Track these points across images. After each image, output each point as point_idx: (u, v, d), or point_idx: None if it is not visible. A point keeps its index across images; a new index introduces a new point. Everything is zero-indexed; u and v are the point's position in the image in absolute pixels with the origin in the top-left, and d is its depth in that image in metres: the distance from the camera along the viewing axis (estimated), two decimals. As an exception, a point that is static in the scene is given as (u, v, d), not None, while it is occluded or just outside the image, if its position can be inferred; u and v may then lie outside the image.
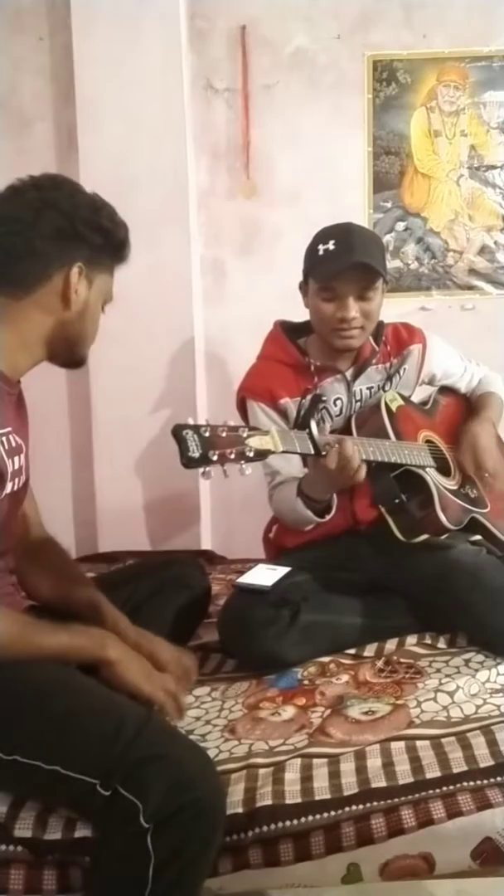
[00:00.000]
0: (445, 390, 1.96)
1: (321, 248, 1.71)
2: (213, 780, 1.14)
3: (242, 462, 1.23)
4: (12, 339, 1.29)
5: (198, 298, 2.56)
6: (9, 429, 1.27)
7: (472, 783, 1.21)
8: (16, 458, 1.29)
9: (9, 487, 1.26)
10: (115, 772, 1.08)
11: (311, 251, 1.75)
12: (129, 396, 2.45)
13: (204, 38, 2.52)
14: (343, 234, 1.72)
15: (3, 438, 1.24)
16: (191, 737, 1.33)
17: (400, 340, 1.89)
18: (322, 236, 1.74)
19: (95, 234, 1.30)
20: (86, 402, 2.52)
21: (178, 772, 1.09)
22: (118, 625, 1.38)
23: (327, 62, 2.53)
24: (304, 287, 1.80)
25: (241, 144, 2.54)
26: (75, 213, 1.28)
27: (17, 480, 1.30)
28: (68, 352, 1.36)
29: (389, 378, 1.85)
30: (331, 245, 1.70)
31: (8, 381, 1.30)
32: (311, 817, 1.19)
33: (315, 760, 1.28)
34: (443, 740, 1.30)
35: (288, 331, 1.87)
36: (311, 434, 1.42)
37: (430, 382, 1.94)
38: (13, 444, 1.28)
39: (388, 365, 1.86)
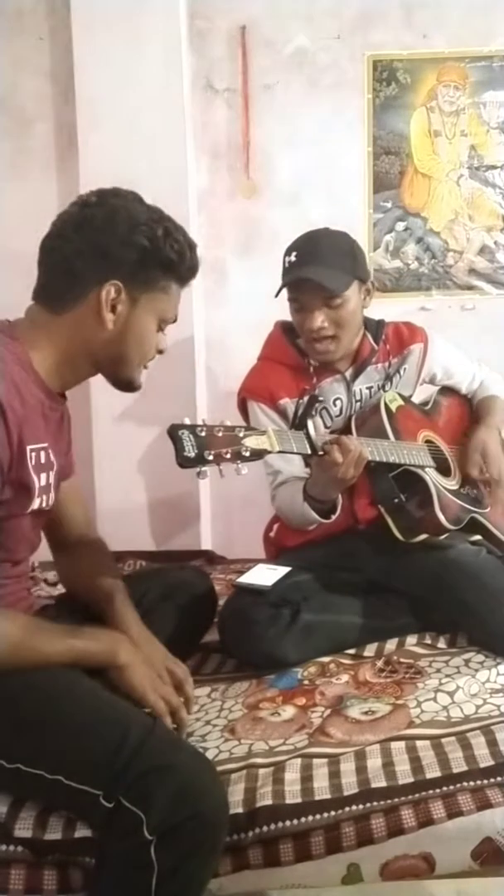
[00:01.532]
0: (447, 391, 1.96)
1: (286, 259, 1.74)
2: (216, 791, 1.14)
3: (239, 462, 1.24)
4: (55, 353, 1.28)
5: (198, 298, 2.56)
6: (44, 444, 1.26)
7: (472, 783, 1.21)
8: (44, 475, 1.27)
9: (36, 504, 1.26)
10: (119, 783, 1.07)
11: (283, 263, 1.76)
12: (129, 397, 2.43)
13: (204, 38, 2.52)
14: (306, 245, 1.74)
15: (34, 454, 1.23)
16: (191, 738, 1.33)
17: (401, 339, 1.89)
18: (290, 248, 1.76)
19: (129, 252, 1.25)
20: (86, 402, 2.51)
21: (181, 783, 1.08)
22: (126, 622, 1.36)
23: (327, 62, 2.54)
24: None
25: (241, 144, 2.55)
26: (109, 230, 1.25)
27: (44, 497, 1.29)
28: (113, 371, 1.34)
29: (389, 377, 1.85)
30: (293, 257, 1.73)
31: (52, 397, 1.30)
32: (311, 817, 1.19)
33: (315, 760, 1.28)
34: (443, 740, 1.30)
35: (288, 331, 1.88)
36: (307, 434, 1.42)
37: (432, 382, 1.94)
38: (44, 460, 1.27)
39: (387, 364, 1.86)
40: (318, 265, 1.69)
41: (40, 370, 1.27)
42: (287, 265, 1.73)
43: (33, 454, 1.23)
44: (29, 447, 1.22)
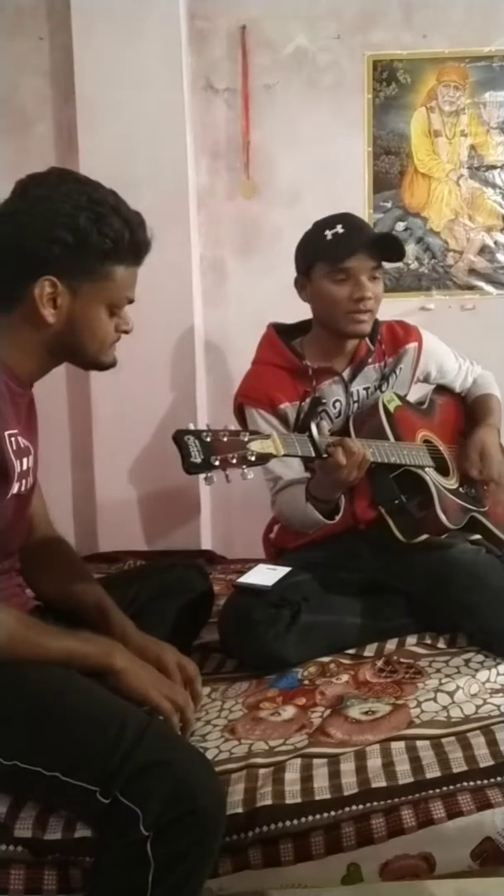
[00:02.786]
0: (441, 390, 1.97)
1: (329, 233, 1.72)
2: (213, 788, 1.14)
3: (244, 466, 1.23)
4: (13, 348, 1.27)
5: (198, 298, 2.56)
6: (16, 430, 1.26)
7: (472, 783, 1.21)
8: (24, 460, 1.28)
9: (15, 488, 1.26)
10: (115, 779, 1.08)
11: (317, 238, 1.74)
12: (129, 396, 2.45)
13: (204, 38, 2.52)
14: (347, 218, 1.74)
15: (12, 439, 1.23)
16: (191, 738, 1.33)
17: (395, 339, 1.88)
18: (326, 223, 1.74)
19: (53, 247, 1.21)
20: (86, 402, 2.52)
21: (178, 779, 1.08)
22: (125, 629, 1.37)
23: (327, 62, 2.53)
24: (302, 281, 1.79)
25: (241, 144, 2.54)
26: (29, 226, 1.21)
27: (24, 482, 1.29)
28: (75, 359, 1.33)
29: (385, 377, 1.85)
30: (339, 228, 1.71)
31: (21, 384, 1.30)
32: (311, 817, 1.19)
33: (315, 760, 1.28)
34: (443, 740, 1.30)
35: (282, 333, 1.86)
36: (311, 436, 1.42)
37: (426, 380, 1.95)
38: (21, 445, 1.27)
39: (382, 364, 1.86)
40: (373, 231, 1.72)
41: (5, 359, 1.26)
42: (332, 237, 1.71)
43: (11, 439, 1.23)
44: (6, 433, 1.22)
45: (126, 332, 1.35)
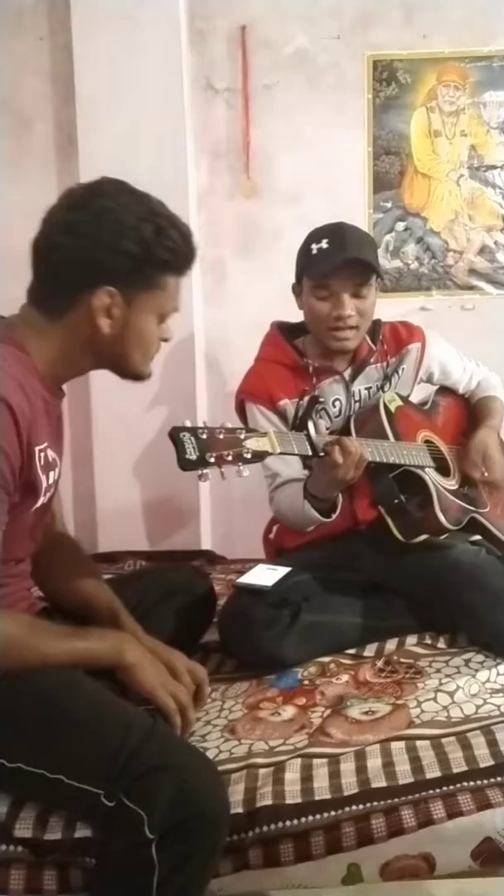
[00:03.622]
0: (445, 391, 1.96)
1: (314, 247, 1.72)
2: (217, 791, 1.14)
3: (240, 464, 1.23)
4: (53, 355, 1.26)
5: (198, 298, 2.56)
6: (45, 444, 1.25)
7: (472, 783, 1.21)
8: (51, 474, 1.28)
9: (40, 502, 1.26)
10: (120, 782, 1.08)
11: (305, 251, 1.75)
12: (129, 396, 2.43)
13: (204, 38, 2.52)
14: (335, 232, 1.73)
15: (42, 454, 1.23)
16: (191, 738, 1.33)
17: (398, 339, 1.88)
18: (314, 236, 1.74)
19: (119, 259, 1.21)
20: (86, 402, 2.52)
21: (182, 783, 1.08)
22: (136, 633, 1.37)
23: (327, 62, 2.53)
24: (297, 289, 1.80)
25: (241, 144, 2.55)
26: (95, 238, 1.20)
27: (48, 495, 1.29)
28: (117, 369, 1.33)
29: (387, 378, 1.85)
30: (324, 244, 1.71)
31: (54, 394, 1.30)
32: (311, 817, 1.19)
33: (315, 760, 1.28)
34: (443, 740, 1.30)
35: (285, 332, 1.87)
36: (308, 435, 1.42)
37: (429, 381, 1.94)
38: (49, 459, 1.27)
39: (385, 364, 1.86)
40: (352, 251, 1.69)
41: (40, 367, 1.26)
42: (316, 252, 1.71)
43: (41, 454, 1.23)
44: (37, 448, 1.22)
45: (167, 340, 1.35)
